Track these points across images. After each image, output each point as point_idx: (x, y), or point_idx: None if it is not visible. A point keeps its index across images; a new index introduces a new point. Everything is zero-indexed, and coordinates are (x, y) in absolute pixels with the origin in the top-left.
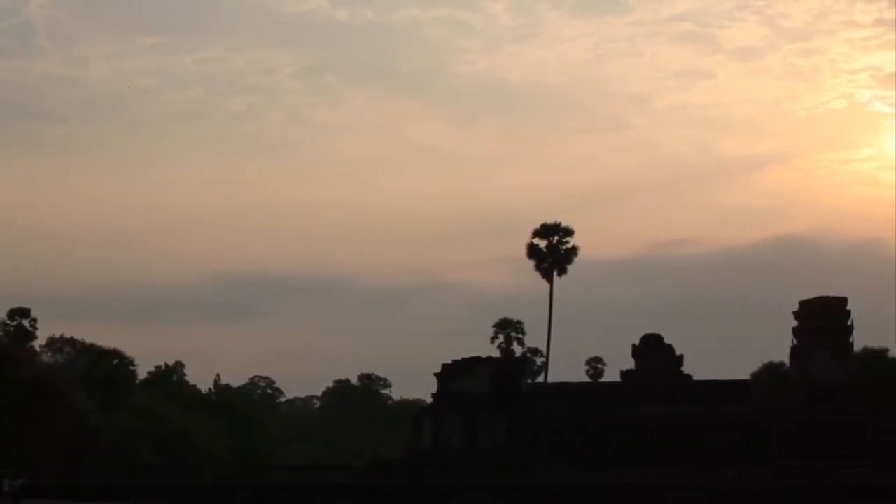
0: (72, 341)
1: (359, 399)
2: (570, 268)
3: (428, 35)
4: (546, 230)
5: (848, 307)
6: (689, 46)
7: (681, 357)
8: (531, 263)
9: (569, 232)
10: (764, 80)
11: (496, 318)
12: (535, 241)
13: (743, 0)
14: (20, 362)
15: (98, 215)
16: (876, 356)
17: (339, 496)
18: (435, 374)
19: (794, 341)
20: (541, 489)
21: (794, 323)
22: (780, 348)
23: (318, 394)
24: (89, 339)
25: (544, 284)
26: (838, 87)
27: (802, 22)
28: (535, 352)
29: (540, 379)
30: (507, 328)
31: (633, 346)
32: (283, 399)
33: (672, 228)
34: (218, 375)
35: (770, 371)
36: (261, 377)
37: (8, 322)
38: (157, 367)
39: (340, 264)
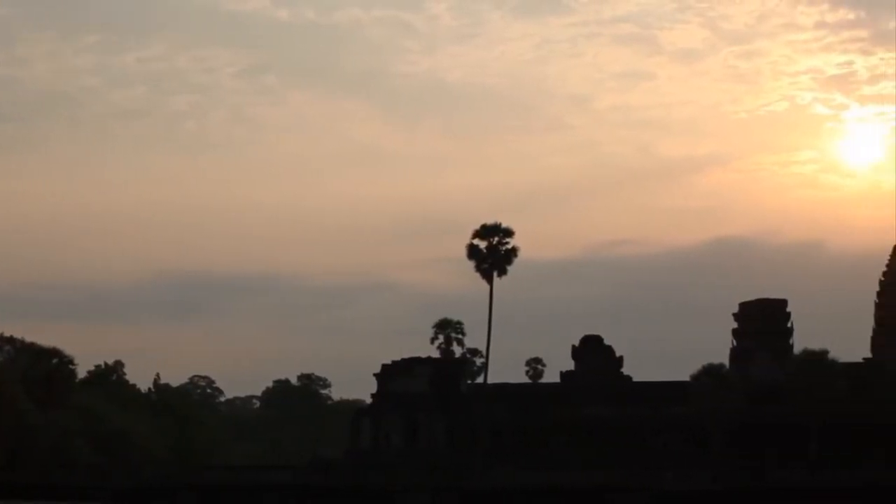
0: (11, 340)
1: (298, 399)
2: (510, 268)
3: (370, 35)
4: (486, 231)
5: (788, 309)
6: (630, 48)
7: (620, 358)
8: (471, 264)
9: (509, 233)
10: (705, 81)
11: (436, 318)
12: (476, 241)
13: (684, 2)
14: None
15: (40, 214)
16: (815, 358)
17: (280, 496)
18: (375, 375)
19: (734, 343)
20: (480, 490)
21: (734, 324)
22: (719, 350)
23: (258, 393)
24: (29, 338)
25: (484, 285)
26: (779, 89)
27: (743, 24)
28: (475, 352)
29: (480, 379)
30: (447, 328)
31: (573, 347)
32: (222, 399)
33: (612, 229)
34: (158, 375)
35: (710, 372)
36: (200, 377)
37: None
38: (97, 367)
39: (282, 264)
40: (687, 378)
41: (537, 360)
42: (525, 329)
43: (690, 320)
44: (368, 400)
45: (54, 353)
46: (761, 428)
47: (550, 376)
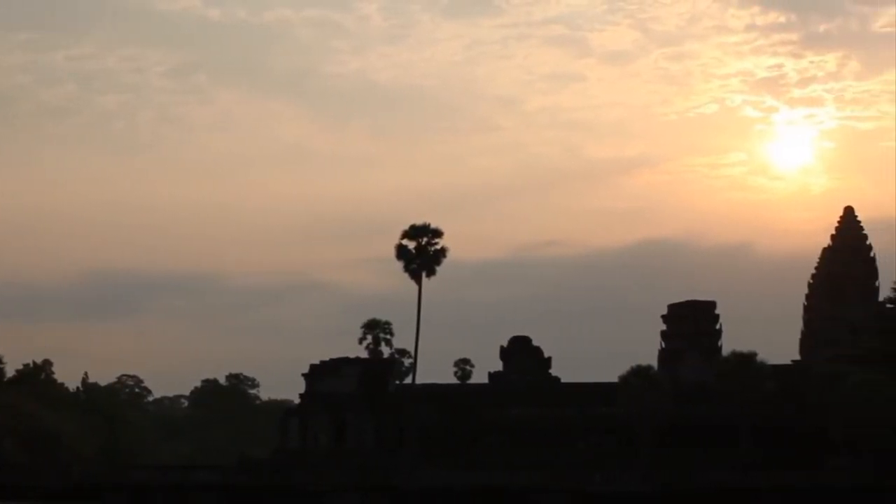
0: None
1: (227, 399)
2: (438, 269)
3: (299, 35)
4: (415, 231)
5: (716, 311)
6: (560, 49)
7: (549, 359)
8: (400, 264)
9: (437, 233)
10: (634, 83)
11: (364, 318)
12: (404, 242)
13: (615, 4)
14: None
15: None
16: (744, 360)
17: (208, 496)
18: (303, 375)
19: (663, 344)
20: (408, 490)
21: (663, 326)
22: (648, 351)
23: (187, 393)
24: None
25: (413, 285)
26: (709, 91)
27: (674, 26)
28: (403, 353)
29: (408, 380)
30: (376, 329)
31: (502, 347)
32: (150, 398)
33: (540, 230)
34: (86, 374)
35: (638, 373)
36: (129, 376)
37: None
38: (25, 366)
39: (210, 263)
40: (615, 379)
41: (465, 361)
42: (453, 330)
43: (619, 321)
44: (297, 400)
45: None
46: (690, 429)
47: (479, 377)
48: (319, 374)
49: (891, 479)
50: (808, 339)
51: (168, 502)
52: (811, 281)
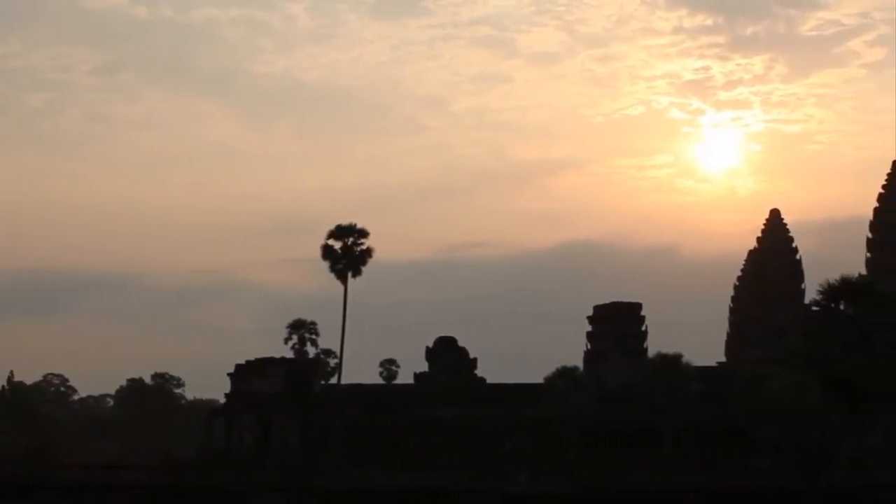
0: None
1: (152, 398)
2: (364, 269)
3: (226, 34)
4: (341, 231)
5: (642, 312)
6: (487, 50)
7: (474, 360)
8: (326, 265)
9: (364, 233)
10: (561, 85)
11: (290, 318)
12: (330, 242)
13: (542, 5)
14: None
15: None
16: (669, 361)
17: (133, 495)
18: (228, 374)
19: (588, 345)
20: (334, 490)
21: (588, 327)
22: (573, 352)
23: (112, 392)
24: None
25: (339, 286)
26: (636, 93)
27: (601, 28)
28: (329, 353)
29: (333, 380)
30: (301, 329)
31: (427, 348)
32: (76, 397)
33: (467, 231)
34: (11, 372)
35: (564, 374)
36: (54, 374)
37: None
38: None
39: (137, 262)
40: (541, 380)
41: (391, 362)
42: (379, 330)
43: (545, 322)
44: (222, 400)
45: None
46: (615, 430)
47: (404, 377)
48: (245, 374)
49: (813, 481)
50: (734, 341)
51: (93, 502)
52: (737, 283)
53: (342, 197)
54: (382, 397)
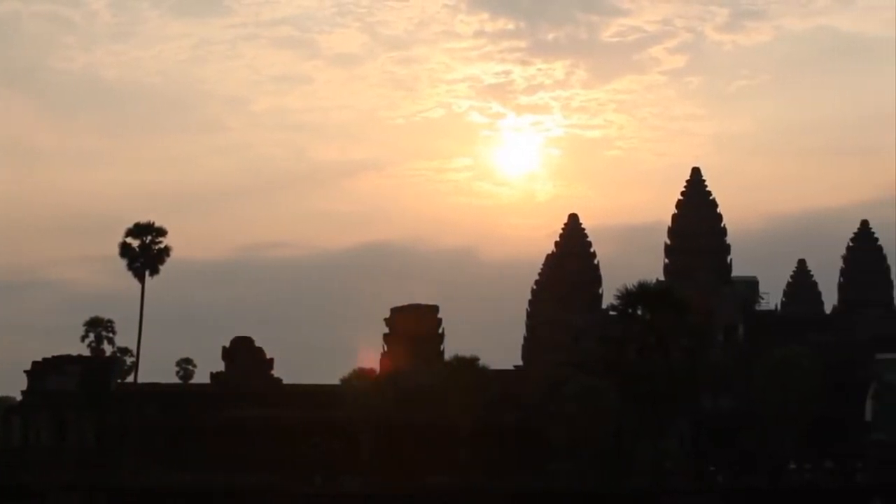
0: None
1: None
2: (162, 268)
3: (28, 29)
4: (139, 230)
5: (439, 315)
6: (288, 51)
7: (271, 360)
8: (123, 262)
9: (162, 232)
10: (362, 86)
11: (87, 316)
12: (128, 240)
13: (344, 7)
14: None
15: None
16: (466, 364)
17: None
18: (25, 372)
19: (385, 347)
20: (129, 489)
21: (386, 329)
22: (371, 354)
23: None
24: None
25: (136, 284)
26: (436, 96)
27: (403, 30)
28: (126, 351)
29: (130, 379)
30: (98, 327)
31: (224, 348)
32: None
33: (266, 231)
34: None
35: (360, 376)
36: None
37: None
38: None
39: None
40: (338, 381)
41: (188, 361)
42: (176, 329)
43: (343, 324)
44: (19, 397)
45: None
46: (411, 431)
47: (201, 377)
48: (41, 372)
49: (608, 483)
50: (532, 345)
51: None
52: (535, 287)
53: (142, 195)
54: (178, 397)
